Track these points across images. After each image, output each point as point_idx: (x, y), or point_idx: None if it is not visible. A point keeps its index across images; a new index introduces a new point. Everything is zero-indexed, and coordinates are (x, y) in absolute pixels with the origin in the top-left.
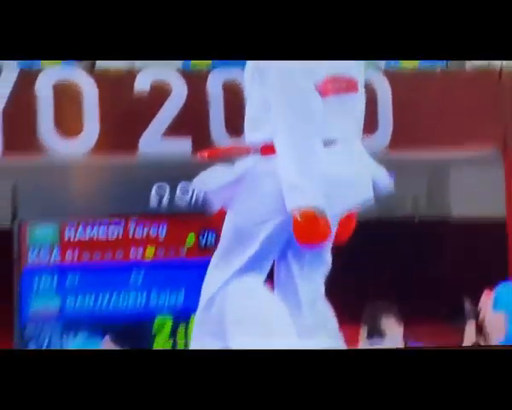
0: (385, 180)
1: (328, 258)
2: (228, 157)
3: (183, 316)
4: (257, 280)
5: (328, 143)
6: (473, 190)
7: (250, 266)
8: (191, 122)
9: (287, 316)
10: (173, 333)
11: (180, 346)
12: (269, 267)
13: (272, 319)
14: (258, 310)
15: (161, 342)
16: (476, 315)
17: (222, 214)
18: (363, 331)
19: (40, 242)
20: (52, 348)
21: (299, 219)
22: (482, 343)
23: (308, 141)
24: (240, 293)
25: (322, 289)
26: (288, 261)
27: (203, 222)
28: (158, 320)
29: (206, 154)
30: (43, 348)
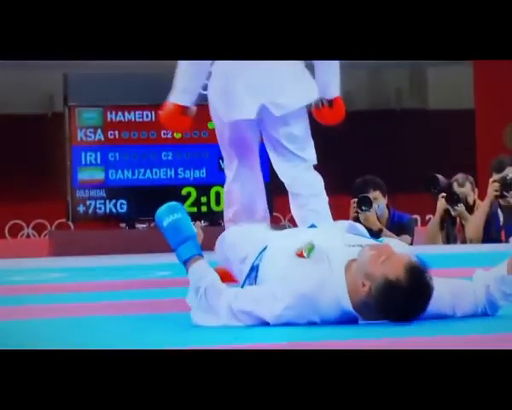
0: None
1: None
2: None
3: (205, 188)
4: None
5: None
6: (447, 86)
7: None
8: None
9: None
10: (197, 201)
11: (203, 210)
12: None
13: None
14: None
15: (187, 208)
16: (448, 187)
17: None
18: (353, 202)
19: (87, 123)
20: (97, 211)
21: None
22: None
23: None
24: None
25: (311, 161)
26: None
27: None
28: (184, 191)
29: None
30: (90, 211)
